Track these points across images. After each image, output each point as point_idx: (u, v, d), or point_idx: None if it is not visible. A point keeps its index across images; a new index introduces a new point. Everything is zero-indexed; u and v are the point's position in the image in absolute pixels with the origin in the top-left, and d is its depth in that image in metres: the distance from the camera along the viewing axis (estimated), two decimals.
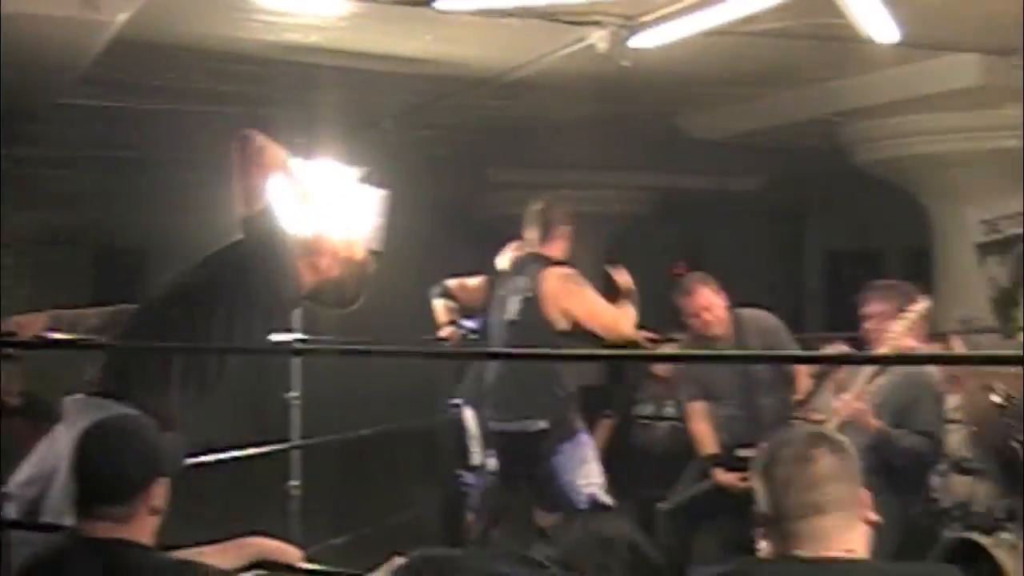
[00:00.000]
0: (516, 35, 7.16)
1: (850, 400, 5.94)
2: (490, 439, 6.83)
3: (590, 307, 6.63)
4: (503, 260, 7.11)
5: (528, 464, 6.57)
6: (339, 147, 7.17)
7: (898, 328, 5.78)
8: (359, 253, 5.04)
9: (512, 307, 6.73)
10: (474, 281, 7.11)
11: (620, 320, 6.66)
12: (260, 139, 4.74)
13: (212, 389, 4.60)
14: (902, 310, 5.90)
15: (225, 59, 7.81)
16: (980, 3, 6.03)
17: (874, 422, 5.87)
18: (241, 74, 8.11)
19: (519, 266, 6.84)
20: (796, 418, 6.55)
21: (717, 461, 6.98)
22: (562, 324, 6.56)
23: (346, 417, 8.92)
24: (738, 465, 6.73)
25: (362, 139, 8.40)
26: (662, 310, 7.40)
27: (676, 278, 15.85)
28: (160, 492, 3.37)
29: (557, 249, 6.84)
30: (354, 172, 6.87)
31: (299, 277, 4.76)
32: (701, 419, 7.11)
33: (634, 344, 7.21)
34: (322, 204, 5.36)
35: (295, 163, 5.25)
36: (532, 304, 6.62)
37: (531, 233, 6.89)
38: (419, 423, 9.71)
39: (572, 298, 6.59)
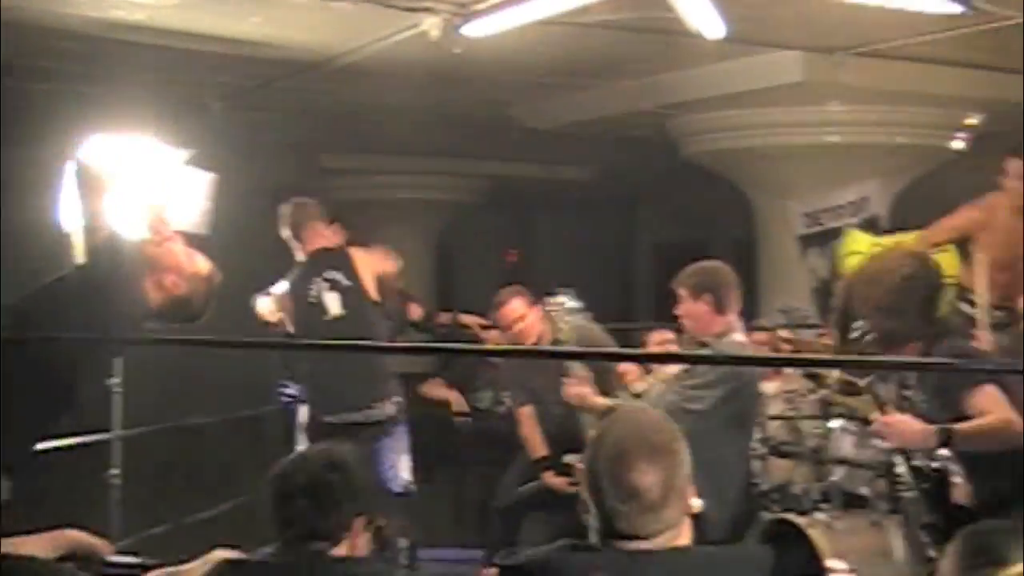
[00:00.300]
0: (347, 19, 7.13)
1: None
2: (314, 429, 6.80)
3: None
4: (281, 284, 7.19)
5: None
6: (165, 129, 7.05)
7: None
8: (204, 267, 4.95)
9: (332, 304, 6.71)
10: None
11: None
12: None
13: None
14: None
15: (49, 35, 7.61)
16: (803, 2, 6.17)
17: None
18: (67, 52, 7.91)
19: (312, 267, 6.82)
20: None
21: (547, 465, 7.00)
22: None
23: (172, 406, 8.78)
24: (567, 470, 6.85)
25: (190, 121, 8.28)
26: (490, 298, 7.43)
27: (508, 265, 15.99)
28: None
29: (330, 242, 6.88)
30: (181, 154, 6.77)
31: (145, 299, 4.67)
32: (530, 423, 7.09)
33: (463, 326, 7.29)
34: (159, 197, 5.26)
35: (130, 164, 5.16)
36: (353, 292, 6.62)
37: (284, 234, 6.92)
38: (249, 413, 9.60)
39: (378, 262, 6.68)
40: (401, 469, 6.65)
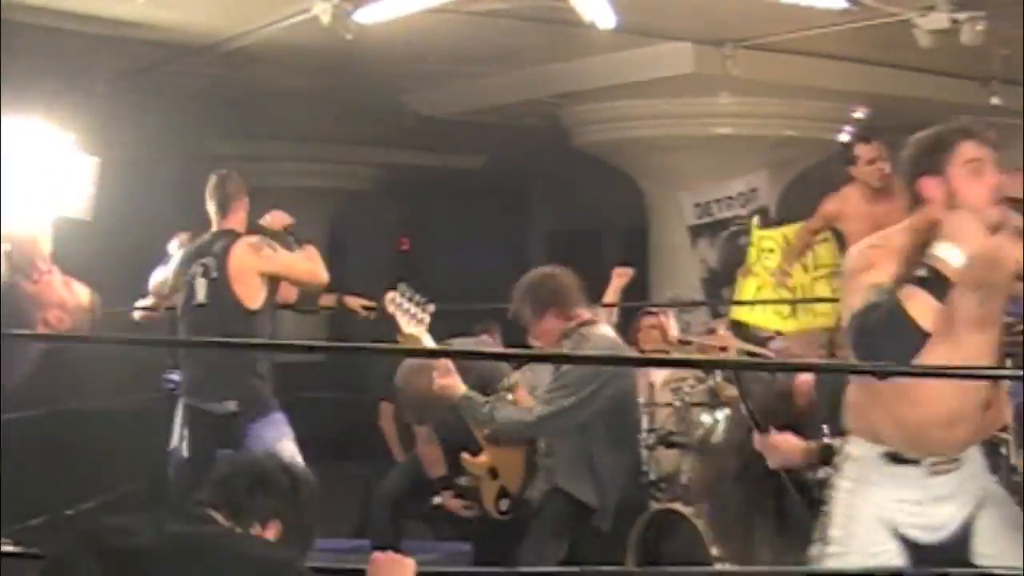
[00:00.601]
0: (237, 3, 7.16)
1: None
2: (185, 416, 6.74)
3: (284, 262, 6.58)
4: (172, 246, 7.07)
5: (221, 444, 6.48)
6: (50, 111, 6.93)
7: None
8: (85, 297, 4.86)
9: (200, 290, 6.64)
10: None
11: (315, 266, 6.64)
12: None
13: None
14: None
15: None
16: None
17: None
18: None
19: (205, 246, 6.74)
20: None
21: (445, 485, 6.94)
22: (254, 301, 6.48)
23: (59, 392, 8.63)
24: (463, 492, 6.83)
25: (72, 104, 8.15)
26: (382, 284, 7.39)
27: (401, 253, 15.97)
28: None
29: (237, 221, 6.75)
30: (65, 137, 6.66)
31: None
32: (427, 442, 7.00)
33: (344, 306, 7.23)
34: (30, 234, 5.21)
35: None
36: (218, 285, 6.53)
37: (210, 207, 6.82)
38: (134, 402, 9.47)
39: (266, 262, 6.53)
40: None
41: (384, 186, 13.79)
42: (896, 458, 3.80)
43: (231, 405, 6.46)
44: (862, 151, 7.19)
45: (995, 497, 3.95)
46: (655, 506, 6.14)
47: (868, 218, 7.23)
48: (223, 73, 9.25)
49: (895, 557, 3.79)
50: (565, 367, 5.74)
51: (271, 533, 3.44)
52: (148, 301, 7.14)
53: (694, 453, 6.47)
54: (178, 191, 11.88)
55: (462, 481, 6.82)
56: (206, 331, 6.60)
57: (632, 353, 6.87)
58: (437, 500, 6.98)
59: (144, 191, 10.57)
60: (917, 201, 3.79)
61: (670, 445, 6.64)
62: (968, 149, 3.74)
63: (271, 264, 6.53)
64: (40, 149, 6.08)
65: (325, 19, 6.89)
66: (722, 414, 6.50)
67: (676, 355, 6.96)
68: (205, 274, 6.60)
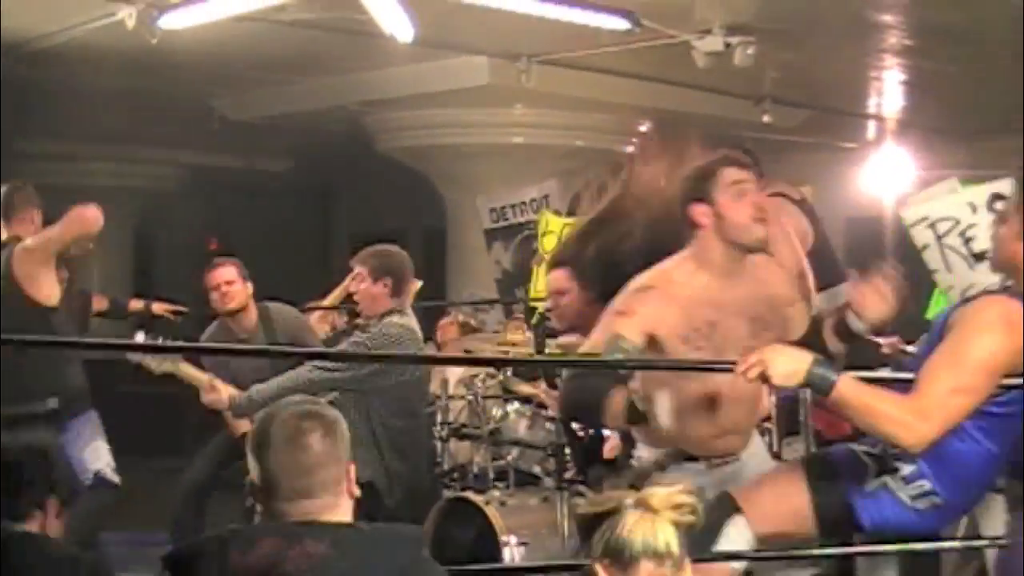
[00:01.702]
0: (42, 3, 7.02)
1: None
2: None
3: (46, 232, 6.35)
4: None
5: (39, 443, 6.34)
6: None
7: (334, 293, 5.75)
8: None
9: None
10: None
11: (76, 215, 6.38)
12: None
13: None
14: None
15: None
16: (491, 12, 6.31)
17: None
18: None
19: None
20: None
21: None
22: (49, 298, 6.32)
23: None
24: None
25: None
26: (190, 284, 7.30)
27: (209, 252, 15.69)
28: None
29: (23, 231, 6.60)
30: None
31: None
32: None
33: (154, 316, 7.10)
34: None
35: None
36: (9, 292, 6.36)
37: None
38: None
39: (34, 244, 6.33)
40: (90, 460, 6.42)
41: (192, 187, 13.59)
42: (680, 457, 3.96)
43: (52, 402, 6.31)
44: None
45: None
46: (448, 494, 6.20)
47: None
48: (30, 73, 8.97)
49: None
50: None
51: (54, 522, 3.42)
52: None
53: (485, 445, 6.56)
54: None
55: None
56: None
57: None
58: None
59: None
60: (692, 227, 3.92)
61: (463, 437, 6.72)
62: (730, 174, 3.88)
63: (39, 243, 6.28)
64: None
65: (130, 23, 6.83)
66: (512, 407, 6.61)
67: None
68: None
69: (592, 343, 3.86)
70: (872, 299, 3.77)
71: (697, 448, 3.98)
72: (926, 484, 3.57)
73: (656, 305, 3.78)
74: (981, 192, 5.50)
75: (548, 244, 8.46)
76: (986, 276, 4.64)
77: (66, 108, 10.65)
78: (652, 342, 3.74)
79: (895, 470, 3.59)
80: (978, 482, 3.67)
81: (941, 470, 3.53)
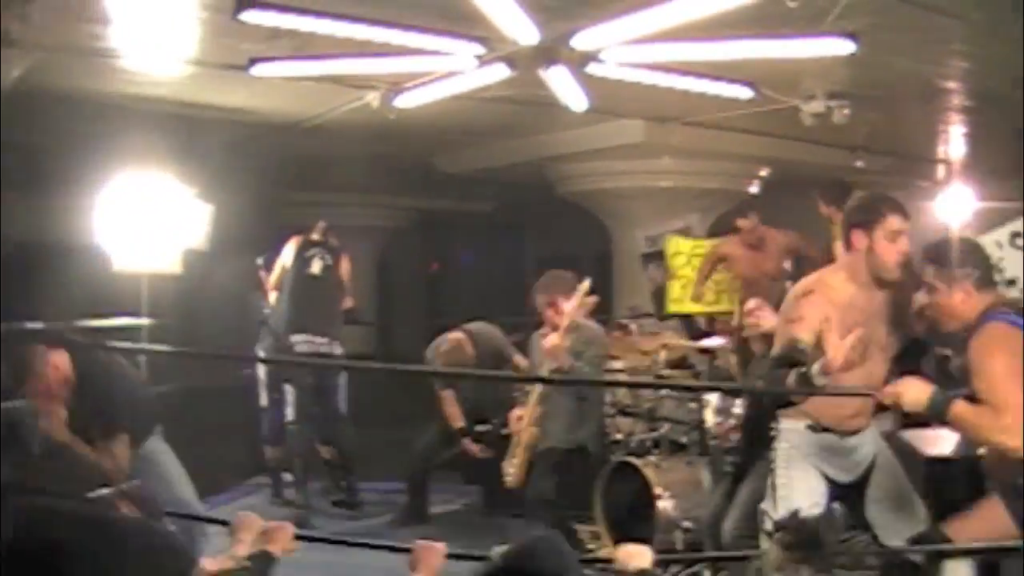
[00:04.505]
0: (313, 93, 7.15)
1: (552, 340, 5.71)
2: None
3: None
4: (288, 247, 7.54)
5: None
6: (178, 172, 7.04)
7: (569, 306, 5.69)
8: None
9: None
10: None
11: None
12: None
13: None
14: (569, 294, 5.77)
15: (95, 106, 7.55)
16: (645, 86, 6.33)
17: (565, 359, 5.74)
18: (107, 117, 7.84)
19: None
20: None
21: (464, 433, 6.96)
22: None
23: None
24: (479, 437, 6.92)
25: (196, 167, 8.22)
26: (421, 300, 7.48)
27: (431, 272, 15.88)
28: None
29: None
30: (189, 191, 6.77)
31: None
32: (450, 403, 6.97)
33: None
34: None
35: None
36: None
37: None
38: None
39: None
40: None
41: (419, 225, 13.82)
42: (817, 428, 3.93)
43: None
44: (742, 223, 7.90)
45: (884, 454, 4.09)
46: (614, 459, 6.23)
47: (746, 260, 7.72)
48: (301, 143, 9.30)
49: (823, 493, 3.87)
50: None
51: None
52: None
53: (643, 420, 6.55)
54: (269, 228, 12.03)
55: (478, 428, 6.89)
56: (322, 296, 7.25)
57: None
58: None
59: (244, 229, 10.67)
60: (847, 247, 3.83)
61: (626, 414, 6.73)
62: (893, 221, 3.75)
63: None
64: (169, 199, 6.20)
65: (374, 104, 7.02)
66: (663, 391, 6.57)
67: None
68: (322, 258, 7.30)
69: (775, 350, 3.77)
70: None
71: (835, 423, 3.94)
72: None
73: (819, 307, 3.67)
74: (1004, 232, 5.46)
75: (678, 263, 8.54)
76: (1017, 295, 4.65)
77: (327, 168, 11.00)
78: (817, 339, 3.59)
79: None
80: None
81: None
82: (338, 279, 7.52)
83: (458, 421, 6.98)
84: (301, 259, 7.41)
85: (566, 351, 5.71)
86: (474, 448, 6.94)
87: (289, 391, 7.34)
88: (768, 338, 4.18)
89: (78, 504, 2.45)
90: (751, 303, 4.78)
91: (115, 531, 2.28)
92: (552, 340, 5.67)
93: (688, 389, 6.53)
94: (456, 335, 6.94)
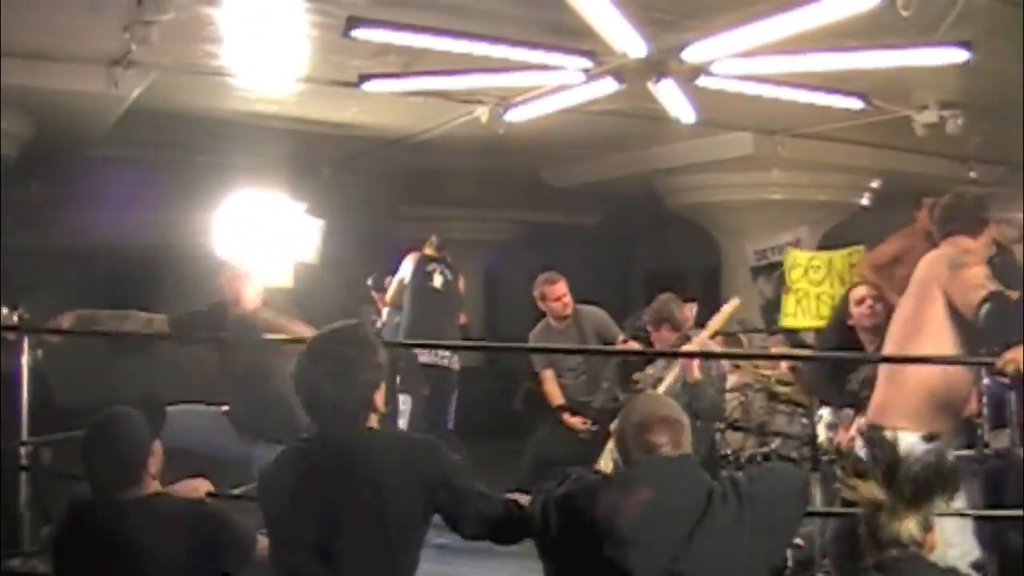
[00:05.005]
0: (422, 109, 7.21)
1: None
2: None
3: None
4: (406, 261, 7.49)
5: None
6: (289, 187, 7.19)
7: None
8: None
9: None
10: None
11: None
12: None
13: None
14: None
15: (210, 123, 7.76)
16: (753, 97, 6.25)
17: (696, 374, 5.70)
18: (222, 133, 8.06)
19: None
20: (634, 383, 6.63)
21: (563, 409, 6.98)
22: None
23: None
24: (580, 411, 6.87)
25: (307, 182, 8.39)
26: (528, 309, 7.48)
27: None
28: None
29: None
30: (300, 206, 6.91)
31: None
32: (549, 381, 7.07)
33: None
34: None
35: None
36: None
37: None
38: None
39: None
40: None
41: (527, 238, 13.85)
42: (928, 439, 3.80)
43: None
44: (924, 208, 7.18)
45: None
46: (724, 474, 6.13)
47: (926, 252, 7.19)
48: (410, 158, 9.38)
49: None
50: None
51: None
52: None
53: (754, 435, 6.45)
54: (379, 242, 12.18)
55: (594, 403, 6.86)
56: (444, 311, 7.31)
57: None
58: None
59: (355, 243, 10.83)
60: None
61: (737, 429, 6.64)
62: (991, 231, 3.97)
63: None
64: (281, 214, 6.33)
65: (484, 119, 7.06)
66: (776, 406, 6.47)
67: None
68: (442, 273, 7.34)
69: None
70: None
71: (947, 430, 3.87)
72: None
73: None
74: None
75: (795, 276, 8.25)
76: None
77: (437, 182, 11.10)
78: None
79: None
80: None
81: None
82: (457, 293, 7.59)
83: (557, 398, 7.00)
84: (422, 273, 7.45)
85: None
86: (575, 421, 6.89)
87: (403, 402, 7.36)
88: (877, 329, 4.13)
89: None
90: (860, 290, 4.85)
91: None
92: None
93: (769, 359, 6.59)
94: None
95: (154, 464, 3.16)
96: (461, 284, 7.72)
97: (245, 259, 5.40)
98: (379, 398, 2.93)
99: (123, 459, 3.10)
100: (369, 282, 7.83)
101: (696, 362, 5.58)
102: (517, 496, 2.99)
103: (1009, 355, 3.32)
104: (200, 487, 3.38)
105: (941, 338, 3.79)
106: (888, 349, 4.10)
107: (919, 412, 3.79)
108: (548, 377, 7.11)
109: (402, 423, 7.36)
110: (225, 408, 5.20)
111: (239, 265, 5.24)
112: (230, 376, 5.16)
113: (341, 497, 2.76)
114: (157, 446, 3.19)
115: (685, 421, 2.90)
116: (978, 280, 3.72)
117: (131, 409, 3.21)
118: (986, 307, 3.60)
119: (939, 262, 3.90)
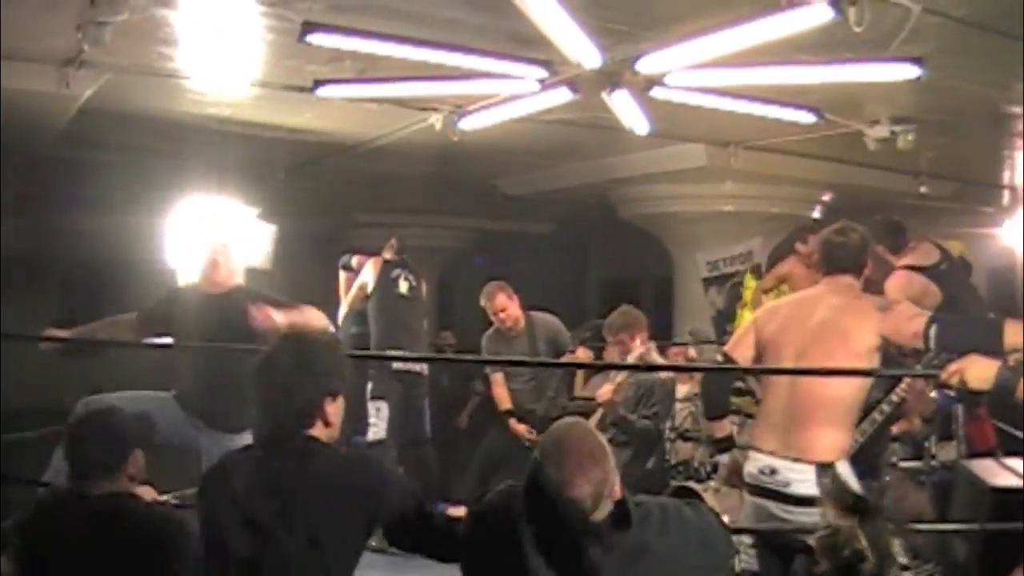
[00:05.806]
0: (376, 115, 7.18)
1: (607, 391, 6.00)
2: None
3: None
4: (367, 268, 7.51)
5: None
6: (242, 192, 7.11)
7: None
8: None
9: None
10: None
11: None
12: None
13: None
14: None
15: (163, 125, 7.65)
16: (707, 110, 6.27)
17: (619, 410, 6.01)
18: (174, 136, 7.96)
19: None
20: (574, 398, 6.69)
21: (510, 414, 7.03)
22: None
23: None
24: (526, 419, 6.90)
25: (259, 187, 8.30)
26: (482, 316, 7.48)
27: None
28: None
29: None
30: (253, 211, 6.85)
31: None
32: (498, 384, 7.14)
33: None
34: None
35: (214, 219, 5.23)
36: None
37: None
38: None
39: None
40: None
41: (480, 246, 13.83)
42: None
43: None
44: (801, 248, 7.66)
45: None
46: (674, 483, 6.16)
47: (807, 277, 7.50)
48: (364, 165, 9.33)
49: None
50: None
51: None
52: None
53: (703, 445, 6.48)
54: (331, 248, 12.07)
55: (538, 410, 6.85)
56: (412, 316, 7.33)
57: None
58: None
59: (307, 249, 10.74)
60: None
61: (686, 439, 6.67)
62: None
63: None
64: (232, 220, 6.27)
65: (438, 126, 7.01)
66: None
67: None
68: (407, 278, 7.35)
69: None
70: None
71: None
72: None
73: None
74: None
75: (746, 296, 8.36)
76: None
77: (390, 189, 11.04)
78: None
79: None
80: None
81: None
82: (421, 298, 7.53)
83: (505, 403, 7.00)
84: (387, 280, 7.37)
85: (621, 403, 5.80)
86: (521, 429, 6.90)
87: (379, 408, 7.22)
88: None
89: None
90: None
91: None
92: (606, 390, 5.75)
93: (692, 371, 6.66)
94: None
95: (134, 466, 3.24)
96: (424, 288, 7.68)
97: (226, 238, 5.33)
98: (332, 409, 2.84)
99: (110, 446, 3.18)
100: (340, 262, 7.75)
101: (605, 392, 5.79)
102: (457, 510, 2.93)
103: (954, 367, 3.29)
104: (145, 495, 3.33)
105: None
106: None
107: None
108: (498, 380, 7.15)
109: (379, 430, 7.26)
110: (174, 392, 5.09)
111: (219, 244, 5.19)
112: (187, 356, 5.07)
113: (276, 508, 2.70)
114: (140, 454, 3.28)
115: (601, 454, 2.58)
116: (912, 310, 3.79)
117: (124, 408, 3.35)
118: (933, 328, 3.63)
119: (869, 313, 3.91)
